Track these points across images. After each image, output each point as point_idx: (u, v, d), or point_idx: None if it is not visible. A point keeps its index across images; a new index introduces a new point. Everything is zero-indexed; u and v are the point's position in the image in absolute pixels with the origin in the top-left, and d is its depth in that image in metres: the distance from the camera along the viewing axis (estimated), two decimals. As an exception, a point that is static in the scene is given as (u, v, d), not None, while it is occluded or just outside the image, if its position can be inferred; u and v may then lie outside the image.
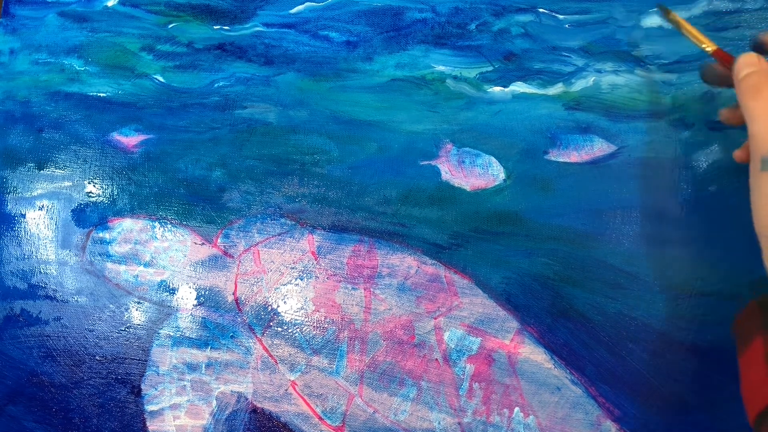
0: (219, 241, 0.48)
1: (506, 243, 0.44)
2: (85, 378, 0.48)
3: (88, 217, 0.50)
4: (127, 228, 0.49)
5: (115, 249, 0.49)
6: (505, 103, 0.46)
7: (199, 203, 0.48)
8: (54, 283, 0.49)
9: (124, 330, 0.48)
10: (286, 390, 0.45)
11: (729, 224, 0.42)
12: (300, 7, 0.50)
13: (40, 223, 0.50)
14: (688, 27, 0.39)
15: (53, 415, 0.48)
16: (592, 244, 0.43)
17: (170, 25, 0.51)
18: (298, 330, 0.46)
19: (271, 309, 0.46)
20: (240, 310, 0.47)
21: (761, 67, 0.32)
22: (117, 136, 0.50)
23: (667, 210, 0.43)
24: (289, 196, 0.47)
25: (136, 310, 0.48)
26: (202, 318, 0.47)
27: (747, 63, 0.33)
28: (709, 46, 0.37)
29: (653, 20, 0.45)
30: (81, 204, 0.50)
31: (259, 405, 0.45)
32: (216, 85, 0.50)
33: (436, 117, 0.46)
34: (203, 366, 0.46)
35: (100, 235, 0.49)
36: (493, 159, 0.45)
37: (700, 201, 0.42)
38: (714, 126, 0.43)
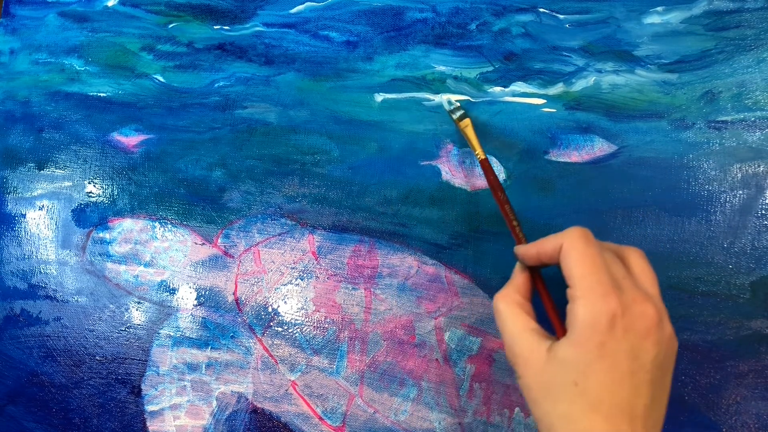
0: (219, 241, 0.48)
1: (506, 243, 0.44)
2: (85, 378, 0.48)
3: (88, 217, 0.50)
4: (127, 228, 0.49)
5: (116, 249, 0.49)
6: (505, 103, 0.46)
7: (199, 203, 0.48)
8: (54, 283, 0.49)
9: (124, 330, 0.48)
10: (287, 390, 0.45)
11: (729, 224, 0.42)
12: (300, 7, 0.50)
13: (40, 223, 0.50)
14: (471, 134, 0.42)
15: (53, 415, 0.48)
16: (593, 244, 0.43)
17: (170, 25, 0.51)
18: (298, 330, 0.46)
19: (272, 309, 0.46)
20: (240, 310, 0.47)
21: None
22: (117, 136, 0.50)
23: (667, 210, 0.43)
24: (289, 196, 0.47)
25: (136, 310, 0.48)
26: (203, 318, 0.47)
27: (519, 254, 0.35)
28: (480, 154, 0.41)
29: (653, 19, 0.45)
30: (81, 204, 0.50)
31: (259, 405, 0.45)
32: (216, 85, 0.50)
33: (437, 117, 0.46)
34: (203, 366, 0.46)
35: (101, 235, 0.49)
36: (494, 159, 0.45)
37: (700, 201, 0.42)
38: (714, 126, 0.43)
